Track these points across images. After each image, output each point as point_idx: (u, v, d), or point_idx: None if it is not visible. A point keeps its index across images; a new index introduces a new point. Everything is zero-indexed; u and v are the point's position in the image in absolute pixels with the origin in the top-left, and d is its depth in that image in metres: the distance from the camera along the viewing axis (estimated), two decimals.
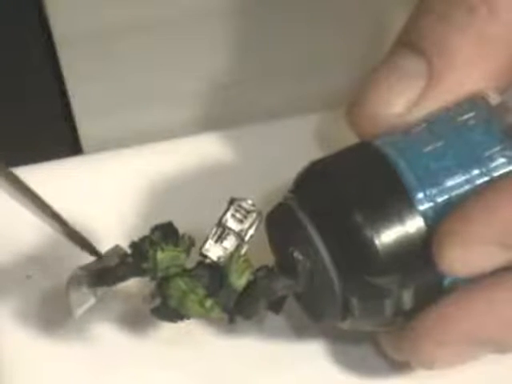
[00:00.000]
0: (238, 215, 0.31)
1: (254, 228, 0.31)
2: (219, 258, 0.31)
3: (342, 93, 0.39)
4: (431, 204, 0.30)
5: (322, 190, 0.31)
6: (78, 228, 0.35)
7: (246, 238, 0.31)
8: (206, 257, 0.31)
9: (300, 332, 0.35)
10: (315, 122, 0.42)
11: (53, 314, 0.36)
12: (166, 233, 0.31)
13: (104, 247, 0.38)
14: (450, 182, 0.30)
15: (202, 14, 0.44)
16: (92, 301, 0.32)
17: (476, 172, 0.30)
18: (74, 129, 0.44)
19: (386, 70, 0.32)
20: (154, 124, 0.45)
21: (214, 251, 0.31)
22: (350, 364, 0.35)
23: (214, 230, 0.31)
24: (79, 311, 0.31)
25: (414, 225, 0.30)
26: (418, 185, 0.30)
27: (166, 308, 0.31)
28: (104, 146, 0.43)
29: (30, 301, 0.36)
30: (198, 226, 0.38)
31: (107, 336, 0.35)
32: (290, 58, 0.45)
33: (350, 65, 0.43)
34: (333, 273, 0.30)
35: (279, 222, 0.32)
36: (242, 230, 0.31)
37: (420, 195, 0.30)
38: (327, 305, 0.31)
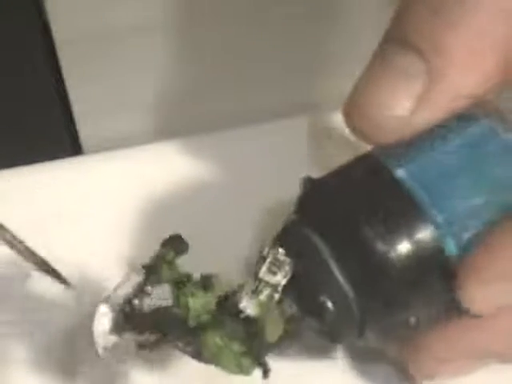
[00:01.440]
0: (273, 268, 0.30)
1: (286, 279, 0.30)
2: (255, 311, 0.30)
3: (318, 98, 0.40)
4: (445, 215, 0.30)
5: (333, 210, 0.30)
6: (76, 227, 0.35)
7: (279, 289, 0.30)
8: (241, 312, 0.30)
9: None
10: (307, 124, 0.42)
11: (52, 314, 0.36)
12: (177, 246, 0.31)
13: (103, 247, 0.38)
14: (461, 200, 0.30)
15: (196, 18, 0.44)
16: (116, 340, 0.31)
17: (487, 188, 0.30)
18: (74, 129, 0.44)
19: (383, 70, 0.31)
20: (154, 124, 0.45)
21: (251, 307, 0.30)
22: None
23: (250, 284, 0.30)
24: (107, 351, 0.30)
25: (427, 239, 0.29)
26: (429, 199, 0.30)
27: (198, 357, 0.30)
28: (104, 146, 0.43)
29: (29, 301, 0.36)
30: (198, 225, 0.38)
31: None
32: (267, 65, 0.45)
33: (324, 73, 0.43)
34: (352, 298, 0.30)
35: (291, 246, 0.31)
36: (276, 282, 0.30)
37: (433, 210, 0.29)
38: (345, 324, 0.31)
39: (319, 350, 0.35)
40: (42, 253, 0.37)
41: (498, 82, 0.30)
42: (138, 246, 0.38)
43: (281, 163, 0.40)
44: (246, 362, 0.29)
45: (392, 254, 0.29)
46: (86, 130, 0.44)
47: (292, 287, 0.30)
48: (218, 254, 0.37)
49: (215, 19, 0.44)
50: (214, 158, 0.41)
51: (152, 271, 0.30)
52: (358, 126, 0.31)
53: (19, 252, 0.34)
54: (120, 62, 0.44)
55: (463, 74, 0.30)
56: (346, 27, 0.44)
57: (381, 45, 0.31)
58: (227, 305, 0.30)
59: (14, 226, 0.39)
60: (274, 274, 0.30)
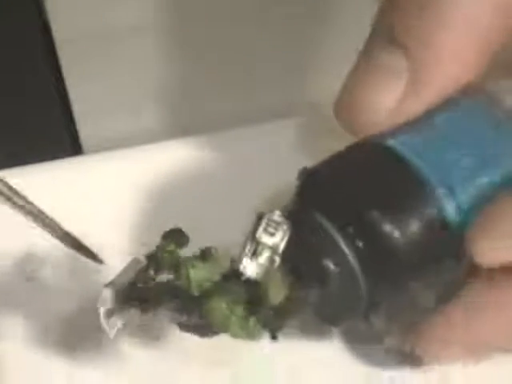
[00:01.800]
0: (269, 229, 0.30)
1: (285, 240, 0.30)
2: (257, 274, 0.30)
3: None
4: (446, 191, 0.30)
5: (334, 192, 0.31)
6: (76, 227, 0.35)
7: (279, 251, 0.30)
8: (241, 274, 0.30)
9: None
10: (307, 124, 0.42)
11: (52, 315, 0.36)
12: (178, 238, 0.31)
13: (104, 248, 0.38)
14: (462, 171, 0.30)
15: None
16: (124, 319, 0.31)
17: (487, 158, 0.31)
18: (74, 129, 0.44)
19: (370, 68, 0.31)
20: (154, 124, 0.45)
21: (251, 268, 0.30)
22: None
23: (248, 246, 0.30)
24: (113, 331, 0.31)
25: (432, 214, 0.30)
26: (431, 174, 0.30)
27: (203, 325, 0.30)
28: (104, 146, 0.43)
29: (29, 301, 0.36)
30: (198, 225, 0.38)
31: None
32: (267, 65, 0.45)
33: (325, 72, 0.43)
34: (359, 274, 0.30)
35: (295, 226, 0.31)
36: (275, 244, 0.30)
37: (435, 185, 0.30)
38: (350, 306, 0.31)
39: (317, 336, 0.35)
40: (42, 252, 0.38)
41: (482, 70, 0.31)
42: (138, 245, 0.38)
43: (281, 163, 0.40)
44: (251, 325, 0.30)
45: (396, 229, 0.29)
46: (86, 130, 0.44)
47: (295, 254, 0.31)
48: None
49: (216, 20, 0.44)
50: (214, 158, 0.41)
51: (153, 259, 0.31)
52: (347, 123, 0.32)
53: (47, 226, 0.33)
54: (120, 62, 0.44)
55: (448, 68, 0.30)
56: (345, 27, 0.44)
57: (367, 42, 0.31)
58: (229, 270, 0.30)
59: (14, 226, 0.39)
60: (272, 235, 0.30)
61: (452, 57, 0.30)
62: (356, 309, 0.31)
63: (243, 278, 0.30)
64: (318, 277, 0.31)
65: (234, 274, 0.30)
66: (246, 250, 0.30)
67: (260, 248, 0.30)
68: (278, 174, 0.39)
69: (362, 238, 0.30)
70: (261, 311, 0.30)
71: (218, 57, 0.44)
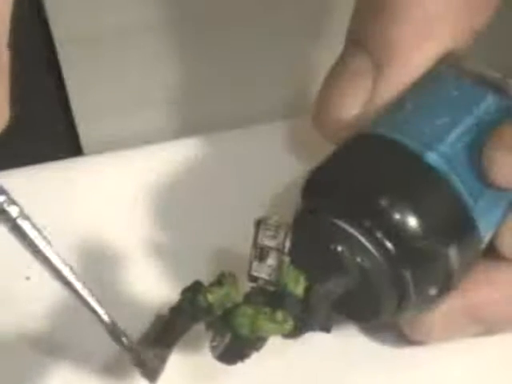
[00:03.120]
0: (268, 233, 0.31)
1: (288, 239, 0.31)
2: (270, 275, 0.31)
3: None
4: (443, 159, 0.31)
5: (344, 186, 0.31)
6: (76, 227, 0.35)
7: (286, 250, 0.31)
8: (256, 279, 0.31)
9: None
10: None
11: (52, 315, 0.36)
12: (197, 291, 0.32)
13: (103, 247, 0.38)
14: (451, 136, 0.31)
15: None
16: (164, 366, 0.31)
17: (469, 119, 0.32)
18: (74, 129, 0.44)
19: (337, 72, 0.33)
20: (154, 125, 0.45)
21: (262, 270, 0.31)
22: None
23: (253, 252, 0.31)
24: (157, 380, 0.31)
25: (435, 185, 0.31)
26: (424, 147, 0.31)
27: (237, 341, 0.30)
28: (104, 146, 0.43)
29: (29, 302, 0.36)
30: (198, 225, 0.38)
31: None
32: (267, 65, 0.45)
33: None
34: (381, 258, 0.31)
35: (309, 229, 0.32)
36: (279, 244, 0.31)
37: (430, 154, 0.31)
38: (381, 298, 0.31)
39: None
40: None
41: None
42: (138, 245, 0.38)
43: (280, 164, 0.40)
44: (279, 315, 0.30)
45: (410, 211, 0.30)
46: (86, 130, 0.44)
47: (306, 249, 0.31)
48: (215, 259, 0.37)
49: (215, 20, 0.44)
50: (213, 159, 0.41)
51: (177, 311, 0.32)
52: (321, 128, 0.33)
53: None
54: (120, 62, 0.44)
55: (406, 63, 0.32)
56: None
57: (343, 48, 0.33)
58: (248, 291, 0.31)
59: None
60: (273, 237, 0.31)
61: (407, 51, 0.32)
62: (388, 296, 0.31)
63: (258, 284, 0.31)
64: (332, 263, 0.31)
65: (253, 292, 0.31)
66: (253, 256, 0.31)
67: (265, 251, 0.31)
68: (277, 174, 0.39)
69: (377, 226, 0.30)
70: (286, 302, 0.30)
71: (217, 58, 0.44)
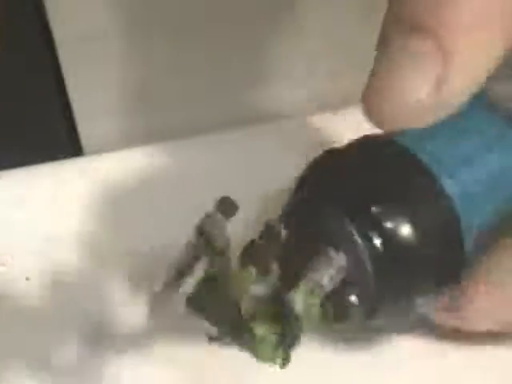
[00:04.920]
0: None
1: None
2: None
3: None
4: (458, 185, 0.31)
5: (344, 183, 0.31)
6: (76, 227, 0.35)
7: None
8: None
9: None
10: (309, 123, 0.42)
11: (52, 315, 0.36)
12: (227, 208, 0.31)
13: (103, 247, 0.38)
14: (461, 156, 0.32)
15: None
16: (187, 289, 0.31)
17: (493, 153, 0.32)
18: (74, 129, 0.44)
19: (400, 56, 0.30)
20: (154, 125, 0.45)
21: (267, 286, 0.30)
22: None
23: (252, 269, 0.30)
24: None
25: (443, 208, 0.31)
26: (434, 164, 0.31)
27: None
28: (104, 147, 0.43)
29: (29, 303, 0.36)
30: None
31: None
32: (265, 65, 0.45)
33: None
34: (367, 261, 0.30)
35: (302, 222, 0.32)
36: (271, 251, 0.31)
37: (444, 179, 0.31)
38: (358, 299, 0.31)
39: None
40: (42, 254, 0.38)
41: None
42: (138, 245, 0.38)
43: (275, 164, 0.40)
44: (279, 352, 0.30)
45: (407, 220, 0.30)
46: (86, 130, 0.44)
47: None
48: None
49: (215, 20, 0.44)
50: (212, 159, 0.41)
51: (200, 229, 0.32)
52: (376, 114, 0.30)
53: None
54: (120, 62, 0.44)
55: (475, 45, 0.29)
56: (340, 26, 0.44)
57: (385, 28, 0.30)
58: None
59: (14, 226, 0.39)
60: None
61: (473, 33, 0.29)
62: (365, 297, 0.31)
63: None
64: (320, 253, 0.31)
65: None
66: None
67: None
68: (277, 174, 0.39)
69: (372, 230, 0.30)
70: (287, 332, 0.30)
71: (216, 58, 0.44)
